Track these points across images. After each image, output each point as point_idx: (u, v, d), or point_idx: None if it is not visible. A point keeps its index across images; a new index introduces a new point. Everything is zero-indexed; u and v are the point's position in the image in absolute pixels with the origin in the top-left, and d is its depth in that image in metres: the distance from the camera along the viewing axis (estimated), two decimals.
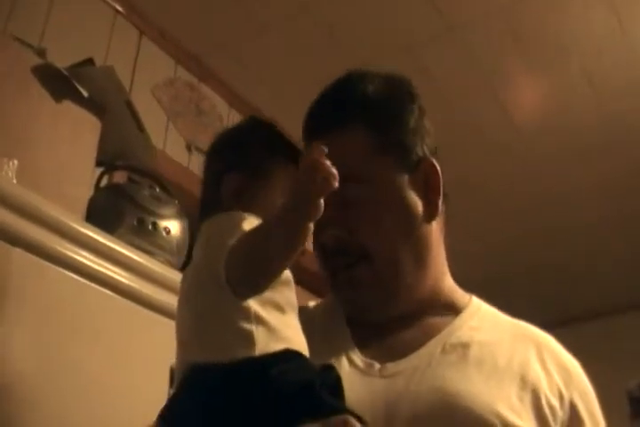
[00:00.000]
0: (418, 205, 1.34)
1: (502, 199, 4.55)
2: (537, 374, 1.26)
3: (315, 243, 1.33)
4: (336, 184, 0.98)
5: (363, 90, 1.37)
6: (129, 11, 3.22)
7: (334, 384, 1.03)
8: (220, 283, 1.02)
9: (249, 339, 0.99)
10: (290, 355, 1.01)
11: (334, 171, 0.98)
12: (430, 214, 1.36)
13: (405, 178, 1.34)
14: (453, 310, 1.37)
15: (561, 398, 1.25)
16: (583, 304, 5.61)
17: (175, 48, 3.47)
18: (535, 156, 4.25)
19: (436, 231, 1.38)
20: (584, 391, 1.32)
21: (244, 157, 1.21)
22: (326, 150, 0.98)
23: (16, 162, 1.67)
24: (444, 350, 1.26)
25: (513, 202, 4.57)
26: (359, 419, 0.96)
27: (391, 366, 1.22)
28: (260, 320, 1.02)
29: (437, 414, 1.13)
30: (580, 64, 3.66)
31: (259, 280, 1.02)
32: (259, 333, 1.00)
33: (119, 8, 3.18)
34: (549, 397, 1.23)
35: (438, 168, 1.38)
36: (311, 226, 1.00)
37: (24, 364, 1.50)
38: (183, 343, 1.10)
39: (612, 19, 3.37)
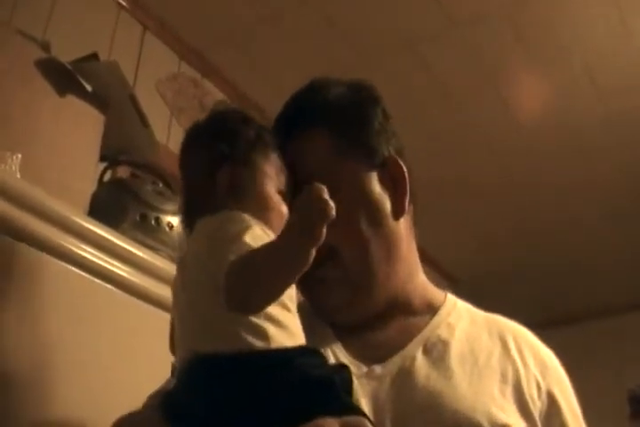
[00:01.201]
0: (385, 202, 1.36)
1: (503, 196, 4.55)
2: (516, 367, 1.27)
3: None
4: (334, 214, 0.99)
5: (324, 95, 1.40)
6: (133, 5, 3.22)
7: (348, 384, 1.03)
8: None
9: (263, 334, 0.99)
10: (309, 351, 1.02)
11: (332, 203, 0.99)
12: (397, 212, 1.37)
13: (372, 176, 1.36)
14: (429, 308, 1.38)
15: (538, 388, 1.27)
16: (583, 303, 5.63)
17: (179, 43, 3.47)
18: (537, 153, 4.25)
19: (405, 229, 1.40)
20: (560, 380, 1.34)
21: (237, 148, 1.20)
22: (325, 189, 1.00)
23: (19, 156, 1.66)
24: (425, 350, 1.27)
25: (514, 199, 4.58)
26: (371, 422, 0.97)
27: (377, 369, 1.23)
28: (269, 317, 1.02)
29: (425, 415, 1.14)
30: (582, 61, 3.66)
31: (261, 303, 1.02)
32: (271, 329, 1.01)
33: (123, 2, 3.18)
34: (528, 387, 1.25)
35: (404, 168, 1.39)
36: (314, 251, 1.00)
37: (26, 358, 1.50)
38: (187, 336, 1.09)
39: (614, 16, 3.37)
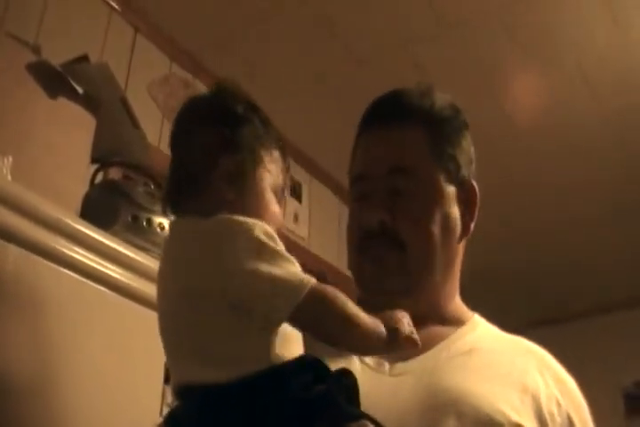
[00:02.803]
0: (458, 220, 1.40)
1: (500, 196, 4.55)
2: (536, 383, 1.28)
3: (355, 222, 1.37)
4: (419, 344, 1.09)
5: (432, 101, 1.43)
6: (124, 8, 3.22)
7: (350, 389, 1.03)
8: (230, 301, 1.02)
9: (263, 348, 1.01)
10: (306, 362, 1.02)
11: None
12: (463, 233, 1.42)
13: (452, 191, 1.39)
14: (456, 322, 1.40)
15: (558, 405, 1.28)
16: (579, 301, 5.63)
17: (170, 45, 3.47)
18: (532, 153, 4.25)
19: (461, 251, 1.45)
20: (579, 405, 1.35)
21: (244, 137, 1.17)
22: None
23: (10, 159, 1.66)
24: (448, 355, 1.29)
25: (510, 198, 4.57)
26: (375, 423, 0.97)
27: (400, 366, 1.25)
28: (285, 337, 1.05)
29: (446, 411, 1.15)
30: (576, 61, 3.66)
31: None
32: (273, 338, 1.02)
33: (114, 5, 3.18)
34: (548, 403, 1.26)
35: (478, 194, 1.44)
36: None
37: (18, 360, 1.50)
38: (181, 358, 1.08)
39: (606, 15, 3.38)
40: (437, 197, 1.37)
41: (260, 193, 1.17)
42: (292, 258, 1.07)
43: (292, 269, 1.05)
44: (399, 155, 1.36)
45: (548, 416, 1.24)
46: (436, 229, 1.34)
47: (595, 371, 5.00)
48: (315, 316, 1.03)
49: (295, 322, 1.03)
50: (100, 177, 2.27)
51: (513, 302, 5.26)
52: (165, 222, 2.04)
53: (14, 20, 2.58)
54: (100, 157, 2.18)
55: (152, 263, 1.88)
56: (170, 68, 3.49)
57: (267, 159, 1.19)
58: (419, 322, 1.34)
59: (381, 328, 1.06)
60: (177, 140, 1.23)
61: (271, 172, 1.19)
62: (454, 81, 3.67)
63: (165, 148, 3.26)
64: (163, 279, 1.15)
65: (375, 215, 1.32)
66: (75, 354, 1.61)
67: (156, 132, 3.20)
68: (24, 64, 1.88)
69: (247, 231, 1.06)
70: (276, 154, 1.22)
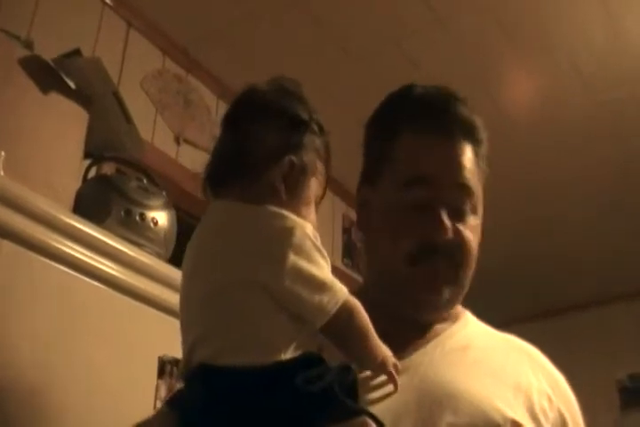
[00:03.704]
0: None
1: (495, 191, 4.55)
2: (528, 380, 1.29)
3: (411, 230, 1.32)
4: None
5: (475, 118, 1.41)
6: (117, 2, 3.22)
7: (351, 384, 1.04)
8: (274, 297, 1.03)
9: (291, 342, 1.03)
10: (311, 360, 1.02)
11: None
12: None
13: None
14: (450, 318, 1.40)
15: (550, 401, 1.28)
16: (574, 294, 5.64)
17: (163, 40, 3.47)
18: (525, 147, 4.26)
19: None
20: (569, 401, 1.36)
21: (308, 146, 1.19)
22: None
23: (3, 154, 1.66)
24: (443, 351, 1.29)
25: (506, 193, 4.58)
26: (375, 419, 0.98)
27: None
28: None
29: (441, 406, 1.16)
30: (570, 55, 3.67)
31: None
32: (302, 336, 1.05)
33: (107, 0, 3.17)
34: (540, 399, 1.26)
35: None
36: None
37: (12, 355, 1.50)
38: (209, 340, 1.06)
39: (600, 10, 3.38)
40: (481, 210, 1.38)
41: (306, 200, 1.18)
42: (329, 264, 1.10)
43: (330, 274, 1.08)
44: (465, 170, 1.34)
45: (540, 412, 1.24)
46: (477, 240, 1.37)
47: (589, 364, 5.03)
48: (343, 325, 1.07)
49: (324, 327, 1.06)
50: (93, 172, 2.27)
51: (507, 295, 5.28)
52: (158, 217, 2.03)
53: (6, 15, 2.57)
54: (93, 152, 2.18)
55: (145, 258, 1.88)
56: (163, 62, 3.48)
57: (318, 170, 1.20)
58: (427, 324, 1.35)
59: (386, 352, 1.13)
60: (239, 123, 1.22)
61: (318, 182, 1.21)
62: (448, 77, 3.65)
63: (159, 142, 3.29)
64: (199, 258, 1.15)
65: (444, 234, 1.29)
66: (68, 349, 1.62)
67: (149, 126, 3.20)
68: (15, 59, 1.88)
69: (298, 229, 1.07)
70: (324, 164, 1.23)
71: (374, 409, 1.03)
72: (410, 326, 1.32)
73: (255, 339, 1.02)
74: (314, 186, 1.19)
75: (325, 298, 1.04)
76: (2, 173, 1.64)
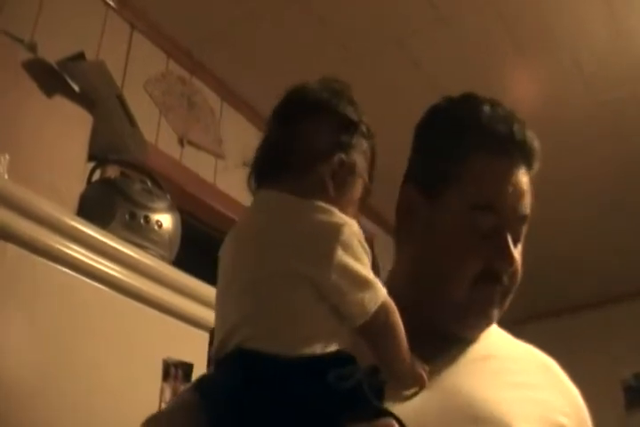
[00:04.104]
0: None
1: None
2: (547, 393, 1.29)
3: (473, 255, 1.31)
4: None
5: (537, 144, 1.44)
6: (120, 5, 3.22)
7: (379, 386, 1.05)
8: (318, 291, 1.04)
9: (330, 337, 1.03)
10: (343, 358, 1.03)
11: None
12: None
13: None
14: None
15: (567, 416, 1.28)
16: (578, 294, 5.63)
17: (167, 42, 3.47)
18: None
19: None
20: (584, 419, 1.35)
21: (358, 146, 1.20)
22: None
23: (7, 157, 1.67)
24: (465, 360, 1.29)
25: None
26: (400, 422, 0.99)
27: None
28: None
29: (463, 415, 1.16)
30: (572, 55, 3.66)
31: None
32: (342, 331, 1.05)
33: (111, 3, 3.17)
34: (556, 416, 1.26)
35: None
36: None
37: (16, 357, 1.50)
38: (242, 324, 1.06)
39: (603, 9, 3.38)
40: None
41: (352, 199, 1.19)
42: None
43: (372, 274, 1.08)
44: (527, 202, 1.36)
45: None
46: None
47: (595, 363, 5.02)
48: (380, 325, 1.08)
49: (361, 325, 1.07)
50: (97, 175, 2.27)
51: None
52: (163, 219, 2.04)
53: (10, 18, 2.57)
54: (97, 155, 2.18)
55: (149, 260, 1.89)
56: (167, 65, 3.49)
57: (364, 171, 1.21)
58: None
59: (413, 360, 1.15)
60: (289, 120, 1.22)
61: (365, 182, 1.21)
62: (450, 76, 3.68)
63: (162, 145, 3.29)
64: (244, 246, 1.14)
65: (509, 265, 1.31)
66: (73, 351, 1.62)
67: (153, 129, 3.20)
68: (19, 62, 1.88)
69: (347, 226, 1.08)
70: (371, 165, 1.23)
71: (397, 411, 1.03)
72: (433, 333, 1.31)
73: (293, 329, 1.03)
74: (359, 187, 1.20)
75: (367, 296, 1.05)
76: (6, 176, 1.65)
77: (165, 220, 2.05)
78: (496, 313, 1.33)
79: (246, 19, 3.39)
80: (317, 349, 1.01)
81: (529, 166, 1.39)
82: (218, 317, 1.13)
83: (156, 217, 2.02)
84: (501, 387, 1.23)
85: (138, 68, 3.24)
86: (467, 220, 1.31)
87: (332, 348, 1.02)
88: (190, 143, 3.40)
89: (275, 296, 1.05)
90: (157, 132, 3.23)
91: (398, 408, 1.07)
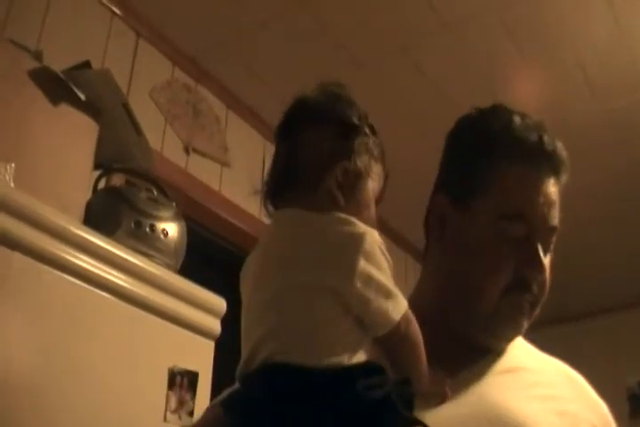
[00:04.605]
0: None
1: None
2: (575, 406, 1.29)
3: (506, 265, 1.31)
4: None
5: (565, 154, 1.40)
6: (126, 13, 3.22)
7: (409, 397, 1.04)
8: (342, 302, 1.03)
9: (356, 348, 1.03)
10: (372, 369, 1.02)
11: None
12: None
13: None
14: None
15: None
16: (584, 301, 5.62)
17: (172, 50, 3.47)
18: None
19: None
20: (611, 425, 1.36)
21: (361, 148, 1.18)
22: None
23: (13, 165, 1.67)
24: (493, 372, 1.29)
25: None
26: None
27: (448, 379, 1.23)
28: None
29: (492, 424, 1.15)
30: (575, 59, 3.66)
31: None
32: (365, 342, 1.05)
33: (116, 10, 3.18)
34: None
35: None
36: None
37: (23, 366, 1.50)
38: (267, 338, 1.06)
39: (606, 11, 3.37)
40: None
41: (365, 203, 1.18)
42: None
43: (394, 283, 1.08)
44: (556, 212, 1.35)
45: None
46: None
47: (599, 371, 4.98)
48: (401, 335, 1.08)
49: (383, 336, 1.07)
50: (102, 183, 2.27)
51: None
52: (168, 228, 2.04)
53: (16, 26, 2.58)
54: (103, 164, 2.19)
55: (155, 269, 1.89)
56: (172, 72, 3.49)
57: (374, 170, 1.20)
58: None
59: (437, 371, 1.14)
60: (291, 134, 1.22)
61: (376, 182, 1.21)
62: (454, 83, 3.68)
63: (168, 153, 3.30)
64: (266, 263, 1.14)
65: (540, 274, 1.32)
66: (79, 361, 1.62)
67: (159, 137, 3.20)
68: (25, 71, 1.88)
69: (368, 235, 1.07)
70: (380, 162, 1.22)
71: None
72: (460, 344, 1.31)
73: (319, 340, 1.02)
74: (371, 187, 1.19)
75: (391, 305, 1.05)
76: (12, 185, 1.65)
77: (171, 228, 2.05)
78: (525, 323, 1.33)
79: (251, 26, 3.40)
80: (345, 359, 1.01)
81: (558, 177, 1.37)
82: (244, 335, 1.12)
83: (161, 226, 2.02)
84: (529, 399, 1.23)
85: (143, 76, 3.24)
86: (497, 230, 1.32)
87: (359, 358, 1.02)
88: (196, 151, 3.40)
89: (298, 309, 1.05)
90: (163, 140, 3.23)
91: (429, 418, 1.07)
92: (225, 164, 3.56)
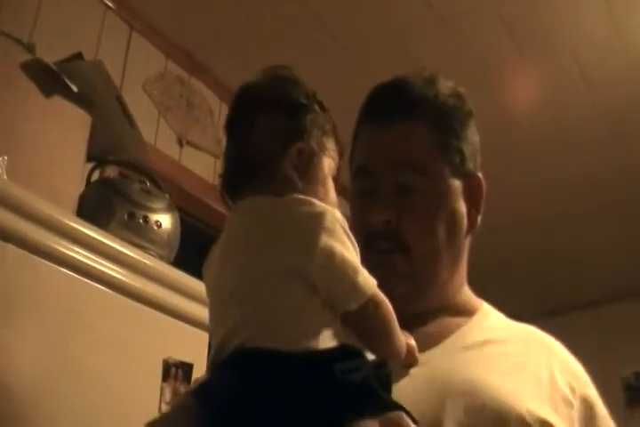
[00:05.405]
0: (464, 215, 1.38)
1: (497, 189, 4.55)
2: (550, 371, 1.28)
3: (362, 223, 1.33)
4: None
5: (436, 90, 1.41)
6: (119, 5, 3.22)
7: (386, 380, 1.04)
8: (308, 283, 1.02)
9: (328, 328, 1.02)
10: (349, 351, 1.02)
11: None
12: (470, 227, 1.40)
13: (458, 185, 1.37)
14: (467, 312, 1.39)
15: (573, 391, 1.27)
16: (579, 292, 5.64)
17: (165, 42, 3.47)
18: (530, 146, 4.26)
19: (467, 244, 1.42)
20: (591, 387, 1.35)
21: (312, 126, 1.17)
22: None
23: (6, 158, 1.67)
24: (463, 346, 1.28)
25: (508, 191, 4.58)
26: (410, 415, 0.98)
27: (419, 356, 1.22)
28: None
29: (465, 399, 1.14)
30: (573, 55, 3.66)
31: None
32: (336, 321, 1.03)
33: (109, 3, 3.17)
34: (564, 391, 1.26)
35: (484, 186, 1.42)
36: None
37: (17, 358, 1.50)
38: (237, 327, 1.05)
39: (603, 8, 3.37)
40: (444, 194, 1.35)
41: (324, 180, 1.18)
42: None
43: (357, 258, 1.07)
44: (406, 150, 1.34)
45: (563, 402, 1.24)
46: (442, 229, 1.33)
47: (595, 362, 4.98)
48: (372, 312, 1.06)
49: (350, 315, 1.05)
50: (96, 175, 2.27)
51: (510, 293, 5.27)
52: (162, 220, 2.04)
53: (8, 19, 2.57)
54: (96, 156, 2.18)
55: (148, 260, 1.89)
56: (165, 65, 3.49)
57: (328, 146, 1.20)
58: (430, 316, 1.34)
59: (404, 342, 1.13)
60: (239, 125, 1.21)
61: (331, 156, 1.20)
62: (451, 76, 3.67)
63: (161, 145, 3.29)
64: (229, 252, 1.13)
65: (381, 215, 1.30)
66: (72, 351, 1.62)
67: (152, 129, 3.20)
68: (17, 63, 1.88)
69: (329, 213, 1.06)
70: (333, 138, 1.22)
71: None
72: (419, 321, 1.31)
73: (290, 325, 1.01)
74: (326, 164, 1.19)
75: (361, 279, 1.04)
76: (5, 177, 1.65)
77: (164, 220, 2.05)
78: (403, 283, 1.32)
79: (245, 19, 3.40)
80: (318, 342, 1.00)
81: (416, 117, 1.38)
82: (212, 324, 1.12)
83: (155, 217, 2.02)
84: (502, 372, 1.22)
85: (136, 69, 3.24)
86: (351, 188, 1.39)
87: (333, 342, 1.01)
88: (189, 143, 3.40)
89: (265, 295, 1.04)
90: (156, 133, 3.23)
91: (398, 397, 1.06)
92: (218, 156, 3.55)
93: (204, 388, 1.08)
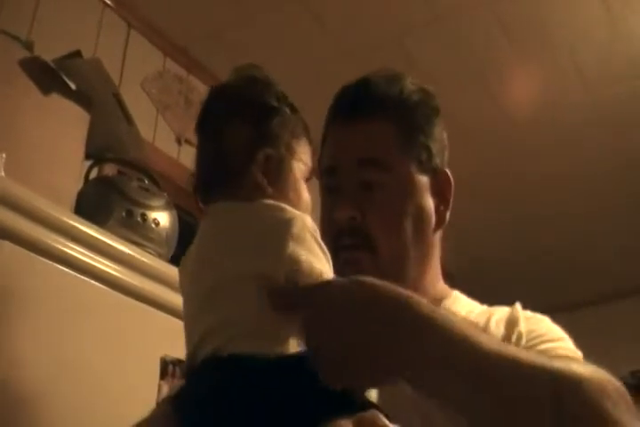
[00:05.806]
0: (432, 211, 1.39)
1: (489, 190, 4.55)
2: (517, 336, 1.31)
3: (327, 216, 1.35)
4: None
5: (400, 89, 1.41)
6: (117, 4, 3.22)
7: None
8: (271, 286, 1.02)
9: (298, 334, 1.01)
10: None
11: None
12: (438, 223, 1.40)
13: (425, 181, 1.38)
14: (435, 301, 1.38)
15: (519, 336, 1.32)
16: (576, 291, 5.64)
17: (164, 40, 3.47)
18: (527, 145, 4.26)
19: (437, 241, 1.43)
20: (540, 320, 1.44)
21: (281, 129, 1.16)
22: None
23: (4, 155, 1.66)
24: None
25: (509, 191, 4.58)
26: (384, 413, 0.98)
27: None
28: None
29: None
30: (570, 53, 3.67)
31: None
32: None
33: (107, 1, 3.18)
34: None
35: (452, 182, 1.42)
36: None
37: (12, 356, 1.50)
38: (207, 334, 1.04)
39: (600, 6, 3.38)
40: (409, 190, 1.36)
41: (295, 183, 1.16)
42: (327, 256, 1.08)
43: (327, 266, 1.06)
44: (369, 146, 1.35)
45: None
46: (408, 224, 1.34)
47: (591, 361, 5.01)
48: None
49: None
50: (94, 173, 2.27)
51: (508, 292, 5.27)
52: (160, 217, 2.04)
53: (7, 16, 2.58)
54: (94, 154, 2.18)
55: (147, 259, 1.89)
56: (164, 63, 3.49)
57: (298, 149, 1.18)
58: None
59: None
60: (208, 128, 1.21)
61: (302, 160, 1.19)
62: (447, 75, 3.68)
63: (160, 143, 3.29)
64: (200, 258, 1.13)
65: (345, 212, 1.31)
66: (69, 349, 1.62)
67: (151, 127, 3.20)
68: (16, 61, 1.88)
69: (298, 220, 1.05)
70: (304, 140, 1.21)
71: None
72: None
73: (262, 330, 1.01)
74: (297, 168, 1.17)
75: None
76: (3, 175, 1.65)
77: (162, 218, 2.05)
78: (371, 264, 1.32)
79: (242, 16, 3.40)
80: (291, 347, 1.00)
81: (379, 115, 1.39)
82: (185, 331, 1.11)
83: (153, 215, 2.02)
84: None
85: (135, 67, 3.24)
86: (322, 187, 1.41)
87: (300, 346, 1.01)
88: (188, 141, 3.40)
89: (233, 302, 1.03)
90: (155, 131, 3.23)
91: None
92: None
93: (182, 395, 1.08)
